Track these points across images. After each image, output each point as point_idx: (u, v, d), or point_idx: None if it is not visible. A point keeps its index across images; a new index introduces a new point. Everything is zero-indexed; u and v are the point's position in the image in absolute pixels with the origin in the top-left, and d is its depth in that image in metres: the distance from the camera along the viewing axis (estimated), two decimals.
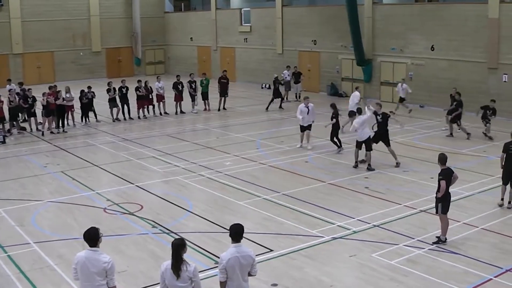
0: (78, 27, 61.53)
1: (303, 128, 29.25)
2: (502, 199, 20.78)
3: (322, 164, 26.73)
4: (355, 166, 25.82)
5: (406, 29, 42.90)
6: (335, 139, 28.50)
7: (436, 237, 17.48)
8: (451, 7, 40.69)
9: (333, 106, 28.84)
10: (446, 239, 17.31)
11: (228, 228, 11.18)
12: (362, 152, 25.86)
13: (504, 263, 15.96)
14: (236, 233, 11.03)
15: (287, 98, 44.73)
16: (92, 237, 10.92)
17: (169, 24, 67.93)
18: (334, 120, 28.33)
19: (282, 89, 43.32)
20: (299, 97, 44.01)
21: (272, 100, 41.69)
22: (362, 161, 26.06)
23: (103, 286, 10.79)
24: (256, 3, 59.80)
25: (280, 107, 41.61)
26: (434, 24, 41.01)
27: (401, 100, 38.87)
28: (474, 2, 39.13)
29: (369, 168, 25.47)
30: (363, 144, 25.71)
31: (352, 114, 27.06)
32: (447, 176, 17.11)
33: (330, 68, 48.41)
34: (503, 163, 20.71)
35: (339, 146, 28.48)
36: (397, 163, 26.17)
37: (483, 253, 16.70)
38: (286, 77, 45.71)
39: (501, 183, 20.84)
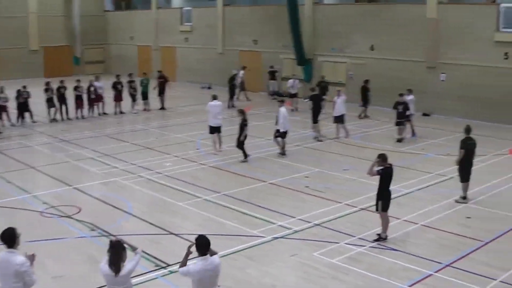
0: (16, 24, 60.39)
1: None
2: (465, 197, 21.18)
3: (263, 164, 26.72)
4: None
5: (346, 29, 43.19)
6: (243, 147, 27.34)
7: (377, 234, 17.60)
8: (391, 7, 41.11)
9: (241, 112, 27.58)
10: (386, 236, 17.45)
11: (194, 240, 11.09)
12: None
13: (443, 258, 16.15)
14: (202, 245, 10.94)
15: (245, 97, 45.58)
16: (8, 238, 10.71)
17: (109, 23, 67.48)
18: (245, 128, 27.08)
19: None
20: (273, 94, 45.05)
21: (231, 97, 42.20)
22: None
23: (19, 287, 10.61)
24: (197, 2, 59.57)
25: (232, 106, 41.58)
26: (374, 24, 41.39)
27: (292, 96, 39.62)
28: (413, 3, 39.58)
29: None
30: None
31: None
32: (385, 173, 17.33)
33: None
34: (459, 160, 21.02)
35: (246, 156, 27.23)
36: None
37: (423, 249, 16.89)
38: (239, 78, 45.93)
39: (445, 178, 21.09)
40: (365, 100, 37.31)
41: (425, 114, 38.14)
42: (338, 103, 31.56)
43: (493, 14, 35.33)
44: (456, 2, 38.33)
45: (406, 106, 30.44)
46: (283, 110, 28.18)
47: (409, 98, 31.45)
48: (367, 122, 36.31)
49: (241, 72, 46.36)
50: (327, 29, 44.62)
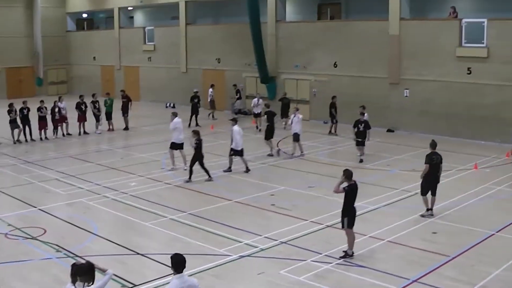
0: None
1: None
2: (428, 209, 21.36)
3: (228, 182, 26.68)
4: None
5: (309, 46, 43.41)
6: (204, 166, 27.09)
7: (343, 251, 17.60)
8: (353, 24, 41.41)
9: (196, 133, 27.13)
10: (353, 253, 17.46)
11: (170, 258, 11.08)
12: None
13: (410, 274, 16.17)
14: (178, 263, 10.94)
15: (213, 116, 45.96)
16: None
17: (71, 43, 67.15)
18: (197, 148, 26.70)
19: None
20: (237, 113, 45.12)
21: (192, 116, 42.04)
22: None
23: None
24: (160, 21, 59.59)
25: (196, 124, 41.54)
26: (337, 41, 41.64)
27: (256, 115, 39.64)
28: (376, 19, 39.86)
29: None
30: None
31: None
32: (352, 190, 17.42)
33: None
34: (424, 174, 21.22)
35: (190, 178, 26.76)
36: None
37: (390, 265, 16.89)
38: (210, 96, 46.35)
39: (411, 193, 21.20)
40: (332, 116, 37.38)
41: (389, 130, 38.41)
42: (294, 122, 31.59)
43: (455, 29, 35.66)
44: (418, 18, 38.67)
45: (366, 124, 30.32)
46: (236, 128, 28.37)
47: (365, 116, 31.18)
48: (332, 139, 36.43)
49: (210, 90, 46.46)
50: (290, 47, 44.81)
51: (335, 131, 37.61)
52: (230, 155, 28.59)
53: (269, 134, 32.04)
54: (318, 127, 38.55)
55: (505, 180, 25.48)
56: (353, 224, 17.50)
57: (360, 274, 16.28)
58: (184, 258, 11.03)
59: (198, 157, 26.62)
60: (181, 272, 10.91)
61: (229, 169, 28.56)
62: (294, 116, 31.76)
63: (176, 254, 11.09)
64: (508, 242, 18.86)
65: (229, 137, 29.02)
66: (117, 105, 41.90)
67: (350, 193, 17.40)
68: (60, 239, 19.51)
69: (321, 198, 23.86)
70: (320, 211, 22.10)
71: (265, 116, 32.92)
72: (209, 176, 26.82)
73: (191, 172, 26.68)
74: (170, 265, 11.06)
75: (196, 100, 42.89)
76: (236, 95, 46.59)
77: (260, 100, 39.84)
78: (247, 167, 28.57)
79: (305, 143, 33.23)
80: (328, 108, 37.53)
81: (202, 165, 26.77)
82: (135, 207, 23.13)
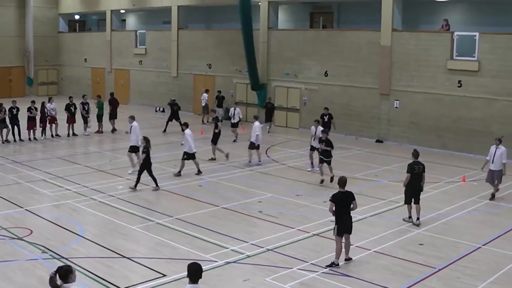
0: None
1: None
2: (411, 217, 21.70)
3: (216, 188, 26.67)
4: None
5: (300, 54, 43.45)
6: (151, 174, 26.49)
7: (332, 262, 17.59)
8: (345, 33, 41.46)
9: (146, 139, 26.56)
10: (338, 263, 17.45)
11: (187, 267, 10.77)
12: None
13: (395, 285, 16.22)
14: (195, 273, 10.60)
15: (206, 121, 46.29)
16: None
17: (63, 44, 66.98)
18: (145, 155, 26.06)
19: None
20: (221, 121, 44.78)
21: (168, 122, 41.99)
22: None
23: None
24: (151, 25, 59.58)
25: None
26: (328, 50, 41.69)
27: (234, 125, 39.19)
28: (367, 30, 39.94)
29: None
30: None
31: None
32: (337, 198, 17.47)
33: (224, 92, 48.42)
34: (406, 183, 21.44)
35: (135, 186, 26.16)
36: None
37: (375, 275, 16.93)
38: (204, 100, 46.37)
39: (398, 204, 21.26)
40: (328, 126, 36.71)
41: (378, 141, 38.49)
42: (252, 130, 31.59)
43: (447, 42, 35.75)
44: (410, 30, 38.73)
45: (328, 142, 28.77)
46: (188, 132, 28.67)
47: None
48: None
49: (204, 95, 46.66)
50: (281, 54, 44.86)
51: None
52: (183, 158, 28.74)
53: (214, 138, 32.52)
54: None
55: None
56: (342, 232, 17.52)
57: (346, 284, 16.28)
58: (201, 268, 10.73)
59: (146, 165, 26.13)
60: (196, 283, 10.61)
61: (179, 173, 28.68)
62: (235, 109, 32.06)
63: (193, 263, 10.74)
64: (494, 255, 18.88)
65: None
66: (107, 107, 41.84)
67: (337, 201, 17.45)
68: (46, 240, 19.46)
69: (308, 206, 23.90)
70: (307, 219, 22.16)
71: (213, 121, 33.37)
72: (156, 185, 26.29)
73: (138, 180, 26.15)
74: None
75: (175, 108, 42.87)
76: (220, 102, 46.46)
77: (237, 110, 39.46)
78: (198, 170, 28.95)
79: (294, 151, 33.39)
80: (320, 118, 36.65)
81: (150, 173, 26.26)
82: (122, 210, 23.10)
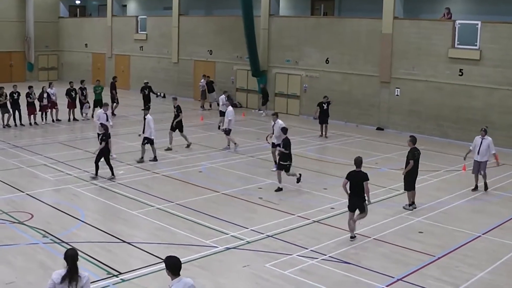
0: None
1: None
2: (411, 204, 22.02)
3: (216, 174, 26.72)
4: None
5: (301, 41, 43.42)
6: (101, 163, 25.78)
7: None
8: (346, 21, 41.41)
9: (104, 127, 26.37)
10: (350, 236, 18.67)
11: (164, 262, 10.73)
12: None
13: (395, 272, 16.27)
14: (175, 266, 10.52)
15: (203, 107, 46.18)
16: None
17: (63, 29, 66.80)
18: (105, 142, 25.59)
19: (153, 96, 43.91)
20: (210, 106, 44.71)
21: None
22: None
23: None
24: (152, 11, 59.43)
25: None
26: (329, 38, 41.64)
27: (222, 114, 36.27)
28: (369, 18, 39.88)
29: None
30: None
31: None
32: (350, 176, 18.71)
33: (225, 78, 48.46)
34: (407, 170, 21.69)
35: (96, 174, 25.60)
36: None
37: (375, 262, 17.00)
38: (202, 86, 46.24)
39: (398, 192, 21.38)
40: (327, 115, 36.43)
41: (378, 128, 38.52)
42: (227, 113, 31.61)
43: (448, 30, 35.72)
44: (411, 18, 38.70)
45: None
46: (149, 117, 28.55)
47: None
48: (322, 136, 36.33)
49: (202, 80, 46.59)
50: (282, 41, 44.81)
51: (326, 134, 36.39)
52: (143, 143, 28.64)
53: (177, 126, 31.71)
54: (308, 123, 38.57)
55: (493, 183, 25.53)
56: (350, 208, 18.80)
57: (346, 271, 16.35)
58: (180, 260, 10.65)
59: (103, 151, 25.60)
60: (179, 275, 10.49)
61: (141, 160, 28.58)
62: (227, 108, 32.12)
63: (170, 256, 10.67)
64: (493, 244, 18.95)
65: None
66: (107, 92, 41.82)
67: (350, 179, 18.72)
68: (46, 225, 19.55)
69: (309, 193, 23.96)
70: (307, 206, 22.22)
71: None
72: (112, 174, 25.66)
73: (97, 167, 25.69)
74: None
75: (147, 91, 42.69)
76: (211, 88, 46.63)
77: (224, 98, 38.52)
78: (155, 156, 28.80)
79: (294, 138, 33.35)
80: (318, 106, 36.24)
81: (107, 160, 25.73)
82: (122, 195, 23.16)
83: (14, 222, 19.84)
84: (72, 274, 10.32)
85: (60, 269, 10.44)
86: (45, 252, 17.30)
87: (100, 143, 25.74)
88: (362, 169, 18.84)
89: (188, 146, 31.73)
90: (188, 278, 10.84)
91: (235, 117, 32.10)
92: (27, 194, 23.14)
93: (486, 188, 24.84)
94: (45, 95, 38.12)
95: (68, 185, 24.41)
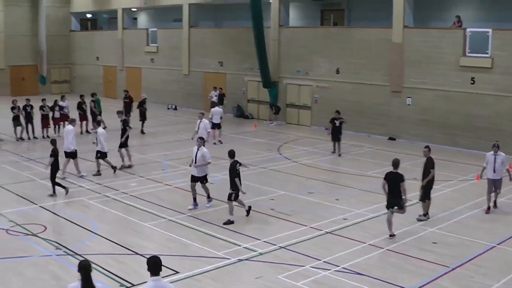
0: None
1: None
2: (426, 214, 22.11)
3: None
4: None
5: (311, 52, 43.43)
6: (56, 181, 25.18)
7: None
8: (356, 31, 41.40)
9: (52, 142, 25.76)
10: (389, 234, 19.72)
11: (146, 261, 10.75)
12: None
13: (408, 283, 16.17)
14: (154, 265, 10.54)
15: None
16: None
17: (75, 42, 67.27)
18: (53, 158, 24.93)
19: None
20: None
21: (143, 123, 41.18)
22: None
23: None
24: (162, 23, 59.69)
25: (142, 131, 40.94)
26: (339, 48, 41.64)
27: (215, 126, 36.51)
28: (378, 27, 39.85)
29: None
30: None
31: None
32: (387, 177, 19.68)
33: (236, 89, 48.53)
34: (428, 179, 21.93)
35: (54, 192, 24.83)
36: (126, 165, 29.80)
37: (388, 273, 16.90)
38: (213, 98, 45.98)
39: (411, 202, 21.54)
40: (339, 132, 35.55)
41: (390, 138, 38.41)
42: (201, 126, 31.92)
43: (459, 38, 35.61)
44: (422, 27, 38.64)
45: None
46: (101, 131, 28.61)
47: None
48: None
49: (212, 92, 46.53)
50: (292, 52, 44.85)
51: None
52: (97, 157, 28.59)
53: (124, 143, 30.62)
54: (319, 134, 38.50)
55: (506, 193, 25.33)
56: (388, 206, 19.85)
57: (358, 282, 16.26)
58: (160, 260, 10.66)
59: (53, 168, 24.97)
60: (158, 275, 10.54)
61: (98, 173, 28.53)
62: (200, 121, 32.19)
63: (152, 256, 10.73)
64: (508, 255, 18.80)
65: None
66: (118, 105, 41.84)
67: (387, 180, 19.82)
68: (59, 237, 19.67)
69: (321, 204, 23.88)
70: (319, 217, 22.12)
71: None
72: (54, 192, 24.80)
73: (53, 185, 25.01)
74: (166, 265, 10.94)
75: (144, 106, 41.63)
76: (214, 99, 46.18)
77: (218, 109, 38.12)
78: (112, 167, 28.85)
79: (306, 149, 33.31)
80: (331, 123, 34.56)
81: (53, 177, 24.97)
82: (134, 207, 23.19)
83: (28, 234, 19.88)
84: (87, 286, 10.33)
85: (75, 282, 10.45)
86: (58, 263, 17.31)
87: (51, 159, 24.96)
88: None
89: (121, 167, 29.98)
90: (170, 284, 10.95)
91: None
92: (40, 206, 23.21)
93: (495, 205, 23.74)
94: (57, 108, 38.30)
95: (81, 197, 24.49)
